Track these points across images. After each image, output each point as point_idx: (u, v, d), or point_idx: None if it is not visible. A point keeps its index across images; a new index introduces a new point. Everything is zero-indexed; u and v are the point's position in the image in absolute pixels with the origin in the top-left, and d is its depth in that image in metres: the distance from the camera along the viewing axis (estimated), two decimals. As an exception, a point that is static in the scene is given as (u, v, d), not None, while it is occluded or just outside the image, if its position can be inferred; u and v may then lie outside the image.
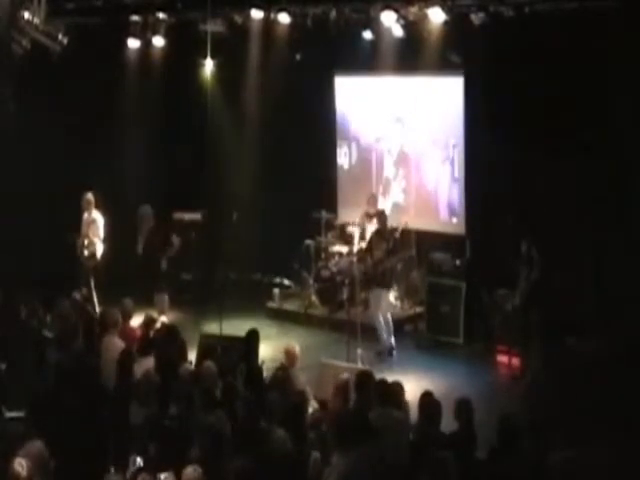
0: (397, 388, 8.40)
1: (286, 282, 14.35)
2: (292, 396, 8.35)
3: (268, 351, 10.29)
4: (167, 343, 9.65)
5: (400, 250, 12.21)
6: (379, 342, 12.08)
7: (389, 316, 12.19)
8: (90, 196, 13.73)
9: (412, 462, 7.35)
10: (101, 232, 13.78)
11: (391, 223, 12.54)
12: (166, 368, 9.04)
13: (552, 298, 11.29)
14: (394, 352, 12.01)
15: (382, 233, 12.21)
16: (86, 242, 13.71)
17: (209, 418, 7.71)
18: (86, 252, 13.70)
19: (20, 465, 6.48)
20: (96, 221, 13.74)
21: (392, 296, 12.91)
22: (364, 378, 8.44)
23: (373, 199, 13.52)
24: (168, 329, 10.33)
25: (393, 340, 12.08)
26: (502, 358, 11.74)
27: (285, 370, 9.33)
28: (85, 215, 13.82)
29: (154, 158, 14.85)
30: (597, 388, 10.18)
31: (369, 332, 11.93)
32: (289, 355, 9.45)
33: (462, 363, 11.86)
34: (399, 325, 12.45)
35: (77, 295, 13.59)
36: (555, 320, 11.27)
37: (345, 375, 8.66)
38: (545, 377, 10.81)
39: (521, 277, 10.88)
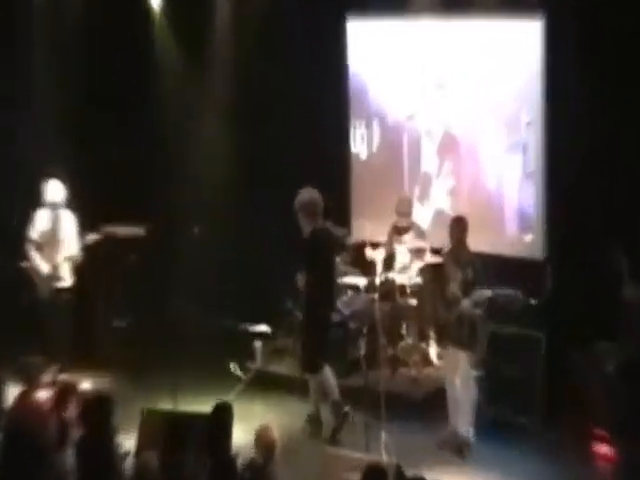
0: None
1: (270, 330, 14.26)
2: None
3: (246, 436, 10.16)
4: (94, 421, 9.63)
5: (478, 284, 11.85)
6: (453, 431, 11.84)
7: (473, 392, 11.91)
8: None
9: None
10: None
11: (432, 242, 12.81)
12: (89, 454, 9.11)
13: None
14: (469, 450, 11.74)
15: (458, 254, 11.93)
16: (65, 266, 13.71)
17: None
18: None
19: None
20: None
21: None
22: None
23: (406, 205, 13.53)
24: (95, 401, 10.30)
25: (471, 430, 11.84)
26: (600, 447, 11.68)
27: (258, 468, 9.18)
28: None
29: (74, 142, 14.76)
30: None
31: (398, 406, 12.00)
32: (264, 443, 9.28)
33: (538, 453, 11.76)
34: (442, 393, 12.25)
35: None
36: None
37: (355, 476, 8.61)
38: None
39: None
